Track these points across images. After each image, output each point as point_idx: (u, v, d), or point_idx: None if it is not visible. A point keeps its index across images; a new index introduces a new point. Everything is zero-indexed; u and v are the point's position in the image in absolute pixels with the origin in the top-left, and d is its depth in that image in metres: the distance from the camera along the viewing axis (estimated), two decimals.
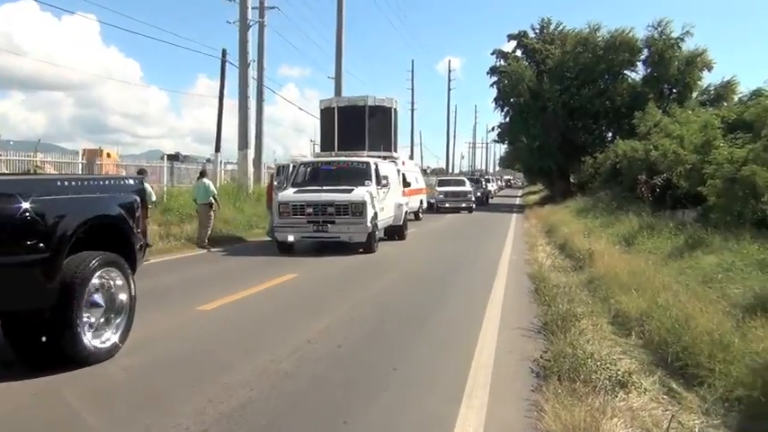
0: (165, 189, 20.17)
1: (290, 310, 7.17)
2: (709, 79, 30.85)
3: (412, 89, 56.24)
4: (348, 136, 16.34)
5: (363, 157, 14.59)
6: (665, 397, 4.43)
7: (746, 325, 4.99)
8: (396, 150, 18.22)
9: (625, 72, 33.10)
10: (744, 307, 5.64)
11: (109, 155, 33.30)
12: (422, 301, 7.77)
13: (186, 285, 8.88)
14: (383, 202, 13.59)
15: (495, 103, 36.09)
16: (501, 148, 70.41)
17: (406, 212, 16.25)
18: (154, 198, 13.02)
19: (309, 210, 12.45)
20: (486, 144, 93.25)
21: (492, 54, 37.07)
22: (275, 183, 15.26)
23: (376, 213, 12.79)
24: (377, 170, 13.71)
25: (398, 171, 20.94)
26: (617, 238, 12.78)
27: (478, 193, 34.18)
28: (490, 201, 42.03)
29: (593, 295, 8.03)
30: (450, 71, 61.72)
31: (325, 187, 12.91)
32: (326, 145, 17.22)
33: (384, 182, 13.66)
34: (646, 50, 31.65)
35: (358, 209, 12.30)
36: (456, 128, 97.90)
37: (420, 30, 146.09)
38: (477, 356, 5.07)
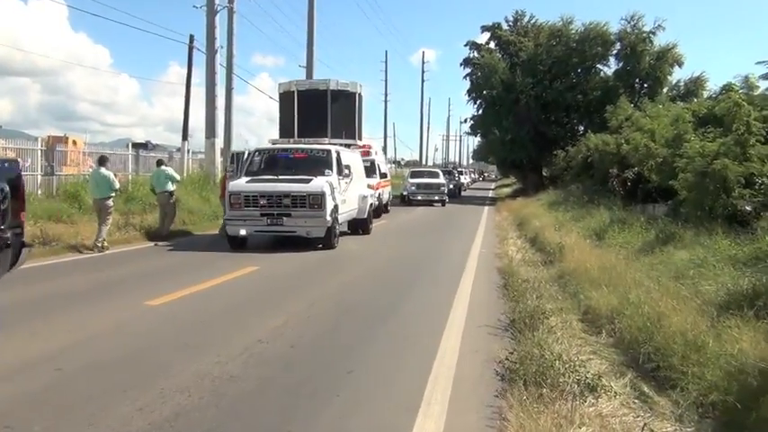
0: (130, 178, 19.60)
1: (243, 306, 6.76)
2: (678, 75, 31.17)
3: (385, 80, 55.94)
4: (309, 122, 15.19)
5: (324, 144, 13.40)
6: (636, 401, 4.16)
7: (721, 324, 4.76)
8: (360, 138, 16.84)
9: (598, 66, 33.25)
10: (718, 305, 5.42)
11: (75, 142, 32.30)
12: (384, 298, 7.37)
13: (138, 278, 8.40)
14: (345, 193, 12.71)
15: (468, 95, 35.95)
16: (474, 141, 70.61)
17: (372, 205, 15.33)
18: (117, 186, 12.44)
19: (263, 201, 11.42)
20: (460, 137, 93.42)
21: (465, 45, 36.97)
22: (228, 172, 14.22)
23: (336, 206, 11.88)
24: (338, 159, 12.70)
25: (373, 162, 20.38)
26: (588, 231, 12.64)
27: (451, 186, 33.96)
28: (462, 193, 41.86)
29: (564, 291, 7.82)
30: (423, 62, 61.44)
31: (281, 177, 11.90)
32: (286, 132, 15.97)
33: (346, 171, 12.72)
34: (618, 44, 31.75)
35: (316, 201, 11.33)
36: (430, 120, 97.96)
37: (395, 21, 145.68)
38: (440, 357, 4.75)
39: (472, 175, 71.15)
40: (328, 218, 11.41)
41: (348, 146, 15.21)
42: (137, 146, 26.82)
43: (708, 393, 3.98)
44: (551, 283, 8.31)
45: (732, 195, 9.60)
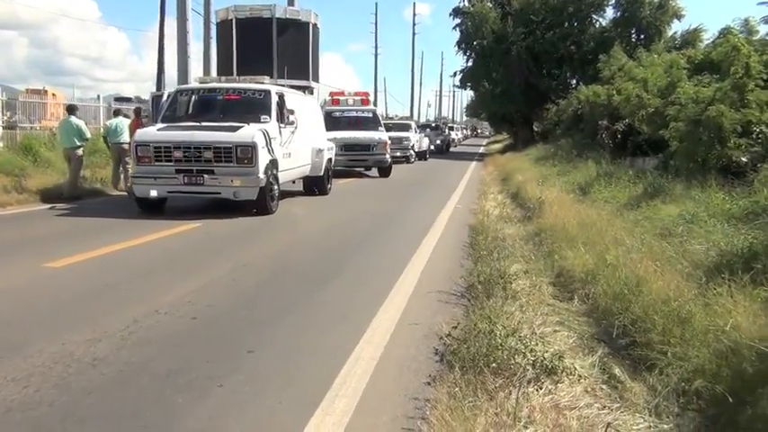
0: (101, 131, 18.69)
1: (156, 270, 5.84)
2: (676, 28, 29.98)
3: (375, 33, 54.19)
4: (250, 58, 12.95)
5: (264, 84, 10.83)
6: (603, 387, 3.38)
7: (711, 292, 3.94)
8: (317, 80, 14.84)
9: (593, 16, 31.94)
10: (707, 267, 4.62)
11: (54, 95, 31.12)
12: (326, 262, 6.43)
13: (50, 238, 7.46)
14: (290, 145, 10.64)
15: (458, 47, 34.44)
16: (468, 96, 68.95)
17: (331, 160, 13.35)
18: (88, 135, 11.86)
19: (178, 154, 9.18)
20: (453, 92, 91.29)
21: None
22: (143, 118, 12.18)
23: (275, 161, 9.81)
24: (280, 102, 10.35)
25: (375, 113, 19.49)
26: (573, 186, 11.90)
27: (438, 141, 32.86)
28: (453, 149, 40.84)
29: (538, 250, 7.04)
30: (414, 14, 59.30)
31: (204, 124, 9.66)
32: (224, 70, 13.47)
33: (290, 118, 10.43)
34: None
35: (246, 154, 9.19)
36: (422, 75, 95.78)
37: None
38: (370, 332, 3.93)
39: (464, 131, 69.85)
40: (261, 175, 9.31)
41: (304, 89, 13.41)
42: (120, 100, 25.75)
43: (692, 379, 3.20)
44: (526, 242, 7.54)
45: (727, 145, 8.75)
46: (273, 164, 9.76)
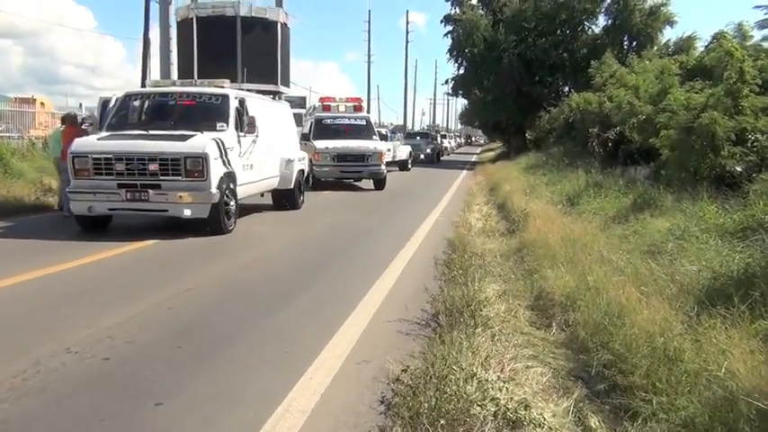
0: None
1: (84, 298, 5.16)
2: (669, 35, 29.74)
3: (368, 39, 54.14)
4: (213, 60, 11.60)
5: (223, 88, 9.72)
6: None
7: (702, 325, 3.42)
8: (287, 84, 13.12)
9: (586, 23, 31.70)
10: (699, 292, 4.10)
11: (42, 104, 30.68)
12: (281, 285, 5.80)
13: None
14: (251, 156, 9.63)
15: (450, 55, 34.01)
16: (462, 105, 68.60)
17: (304, 171, 12.41)
18: None
19: (120, 166, 8.20)
20: (448, 100, 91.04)
21: (447, 1, 34.88)
22: (87, 125, 10.94)
23: (231, 174, 8.84)
24: (240, 108, 9.41)
25: (369, 121, 18.13)
26: (561, 196, 11.53)
27: (428, 150, 32.27)
28: (446, 158, 40.40)
29: (519, 267, 6.54)
30: (407, 22, 59.06)
31: (152, 132, 8.69)
32: (184, 73, 12.23)
33: (252, 126, 9.41)
34: None
35: (196, 166, 8.19)
36: (416, 84, 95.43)
37: None
38: (309, 375, 3.38)
39: (458, 140, 69.51)
40: (214, 190, 8.30)
41: (274, 95, 12.46)
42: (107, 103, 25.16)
43: None
44: (506, 258, 7.05)
45: (721, 154, 8.28)
46: (230, 177, 8.80)
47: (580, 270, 5.35)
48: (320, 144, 16.41)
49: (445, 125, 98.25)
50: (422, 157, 31.29)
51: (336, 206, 13.00)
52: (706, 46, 15.02)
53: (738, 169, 8.06)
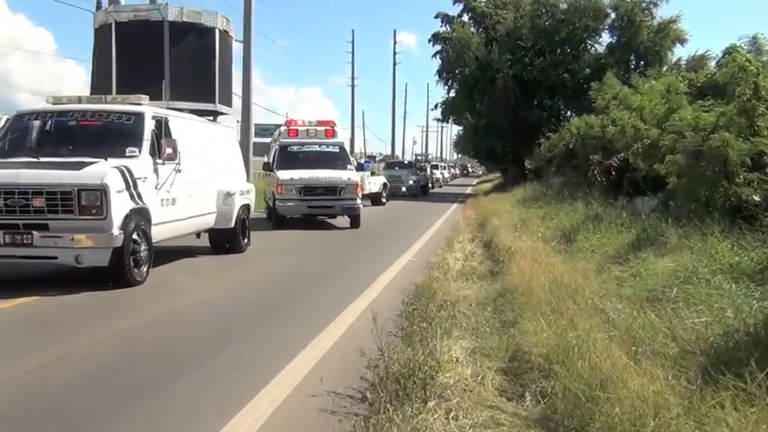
0: None
1: None
2: (681, 54, 29.92)
3: (352, 61, 53.86)
4: (135, 73, 10.50)
5: (140, 105, 8.80)
6: None
7: (706, 402, 2.86)
8: (227, 103, 11.92)
9: (588, 41, 31.89)
10: (706, 354, 3.55)
11: None
12: (188, 350, 5.26)
13: None
14: (174, 188, 8.73)
15: (439, 76, 34.26)
16: (457, 132, 68.86)
17: (249, 207, 11.47)
18: None
19: None
20: (441, 128, 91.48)
21: (436, 17, 35.10)
22: None
23: (143, 210, 7.95)
24: (158, 130, 8.55)
25: (343, 148, 16.98)
26: (556, 232, 11.21)
27: (410, 182, 31.46)
28: (436, 190, 40.07)
29: (496, 319, 6.01)
30: (395, 42, 59.38)
31: (43, 159, 7.77)
32: (100, 87, 10.93)
33: (169, 151, 8.43)
34: (613, 14, 30.36)
35: (93, 200, 7.24)
36: (406, 109, 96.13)
37: (368, 4, 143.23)
38: None
39: (452, 170, 69.56)
40: (116, 231, 7.34)
41: (214, 116, 11.45)
42: None
43: None
44: (483, 307, 6.54)
45: (735, 182, 7.87)
46: (140, 214, 7.88)
47: (565, 322, 4.82)
48: (284, 174, 15.43)
49: (439, 154, 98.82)
50: (403, 189, 30.50)
51: (293, 247, 12.25)
52: (717, 61, 14.86)
53: (756, 198, 7.64)
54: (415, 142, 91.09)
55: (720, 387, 2.97)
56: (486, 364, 4.67)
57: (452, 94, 34.67)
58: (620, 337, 4.08)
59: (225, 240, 10.67)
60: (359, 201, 15.98)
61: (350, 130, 53.92)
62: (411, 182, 31.72)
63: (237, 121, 22.34)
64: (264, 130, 34.96)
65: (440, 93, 49.46)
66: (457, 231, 13.92)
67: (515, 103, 30.67)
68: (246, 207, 11.23)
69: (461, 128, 40.84)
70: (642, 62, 29.98)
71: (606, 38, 31.83)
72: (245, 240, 11.11)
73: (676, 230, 7.44)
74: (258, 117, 61.60)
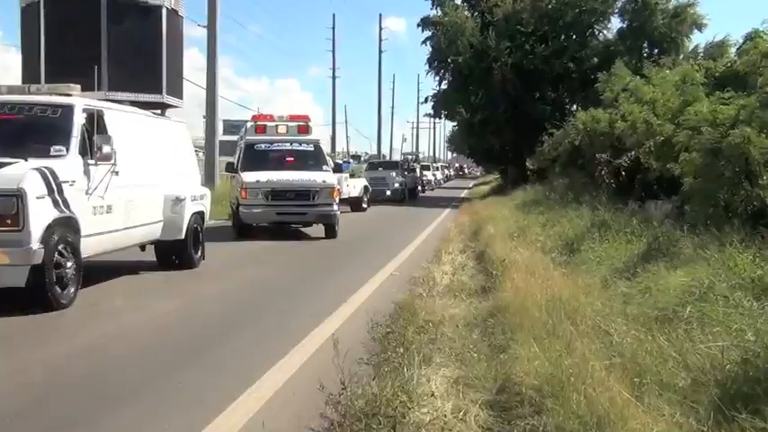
0: None
1: None
2: (699, 40, 30.15)
3: (333, 51, 53.82)
4: (67, 57, 9.91)
5: (70, 96, 8.46)
6: None
7: None
8: (178, 95, 11.52)
9: (596, 26, 32.12)
10: (720, 391, 3.42)
11: None
12: (105, 383, 5.00)
13: None
14: (110, 193, 8.40)
15: (429, 66, 34.25)
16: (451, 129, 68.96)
17: (203, 215, 11.19)
18: None
19: None
20: (434, 124, 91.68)
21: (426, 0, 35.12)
22: None
23: (70, 220, 7.59)
24: (90, 125, 8.18)
25: (318, 146, 16.59)
26: (557, 241, 11.24)
27: (395, 185, 31.08)
28: (427, 193, 40.05)
29: (484, 342, 5.90)
30: (381, 28, 59.50)
31: None
32: (29, 75, 10.34)
33: (103, 150, 7.94)
34: None
35: (7, 208, 6.88)
36: (395, 103, 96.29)
37: None
38: None
39: (446, 171, 69.82)
40: (36, 245, 6.94)
41: (162, 109, 11.45)
42: None
43: None
44: (471, 329, 6.43)
45: (758, 183, 7.83)
46: (66, 225, 7.50)
47: (561, 347, 4.70)
48: (249, 176, 15.11)
49: (431, 153, 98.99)
50: (388, 193, 30.29)
51: (256, 260, 12.02)
52: (738, 48, 14.90)
53: None
54: (404, 140, 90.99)
55: (736, 428, 2.84)
56: (470, 397, 4.54)
57: (444, 85, 34.85)
58: (622, 365, 3.97)
59: (174, 254, 10.32)
60: (335, 207, 15.61)
61: (331, 126, 54.04)
62: (397, 184, 31.44)
63: (203, 117, 22.17)
64: (234, 127, 34.78)
65: (431, 84, 48.99)
66: (447, 241, 13.81)
67: (515, 96, 30.76)
68: (200, 215, 10.90)
69: (455, 124, 40.84)
70: (656, 50, 30.18)
71: (616, 23, 32.18)
72: (199, 254, 10.75)
73: (691, 239, 7.40)
74: (227, 112, 61.35)
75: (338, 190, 16.26)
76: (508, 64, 30.57)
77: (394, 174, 32.29)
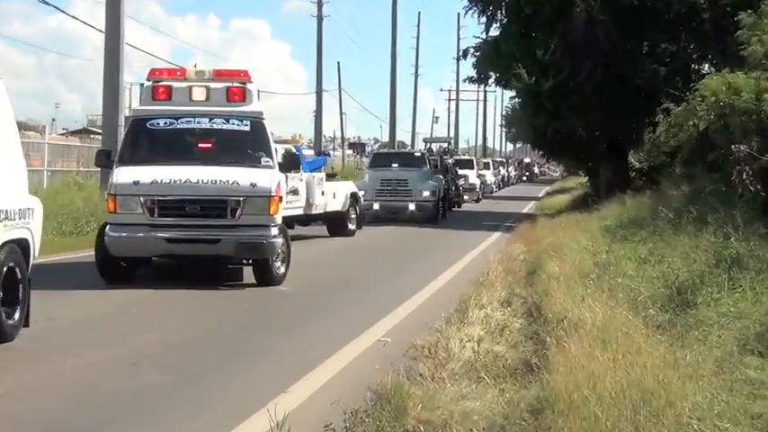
0: None
1: None
2: None
3: None
4: None
5: None
6: None
7: None
8: None
9: None
10: None
11: None
12: None
13: None
14: None
15: (470, 2, 34.44)
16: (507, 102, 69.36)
17: (29, 242, 10.35)
18: None
19: None
20: (484, 92, 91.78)
21: None
22: None
23: None
24: None
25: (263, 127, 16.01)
26: (658, 288, 11.45)
27: (425, 192, 30.59)
28: (460, 207, 40.14)
29: None
30: None
31: None
32: None
33: None
34: None
35: None
36: (423, 62, 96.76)
37: None
38: None
39: (502, 170, 70.23)
40: None
41: None
42: None
43: None
44: None
45: None
46: None
47: None
48: (123, 175, 14.39)
49: (477, 141, 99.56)
50: (411, 208, 30.69)
51: (125, 327, 11.54)
52: None
53: None
54: (436, 119, 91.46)
55: None
56: None
57: (495, 32, 35.39)
58: None
59: None
60: (275, 229, 14.85)
61: (315, 96, 54.64)
62: (427, 193, 31.25)
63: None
64: None
65: (475, 31, 47.49)
66: (483, 285, 13.93)
67: (608, 49, 31.01)
68: (18, 247, 10.06)
69: (513, 94, 40.99)
70: None
71: None
72: (16, 317, 9.81)
73: None
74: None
75: (278, 198, 15.16)
76: (595, 1, 30.90)
77: (421, 175, 32.13)
